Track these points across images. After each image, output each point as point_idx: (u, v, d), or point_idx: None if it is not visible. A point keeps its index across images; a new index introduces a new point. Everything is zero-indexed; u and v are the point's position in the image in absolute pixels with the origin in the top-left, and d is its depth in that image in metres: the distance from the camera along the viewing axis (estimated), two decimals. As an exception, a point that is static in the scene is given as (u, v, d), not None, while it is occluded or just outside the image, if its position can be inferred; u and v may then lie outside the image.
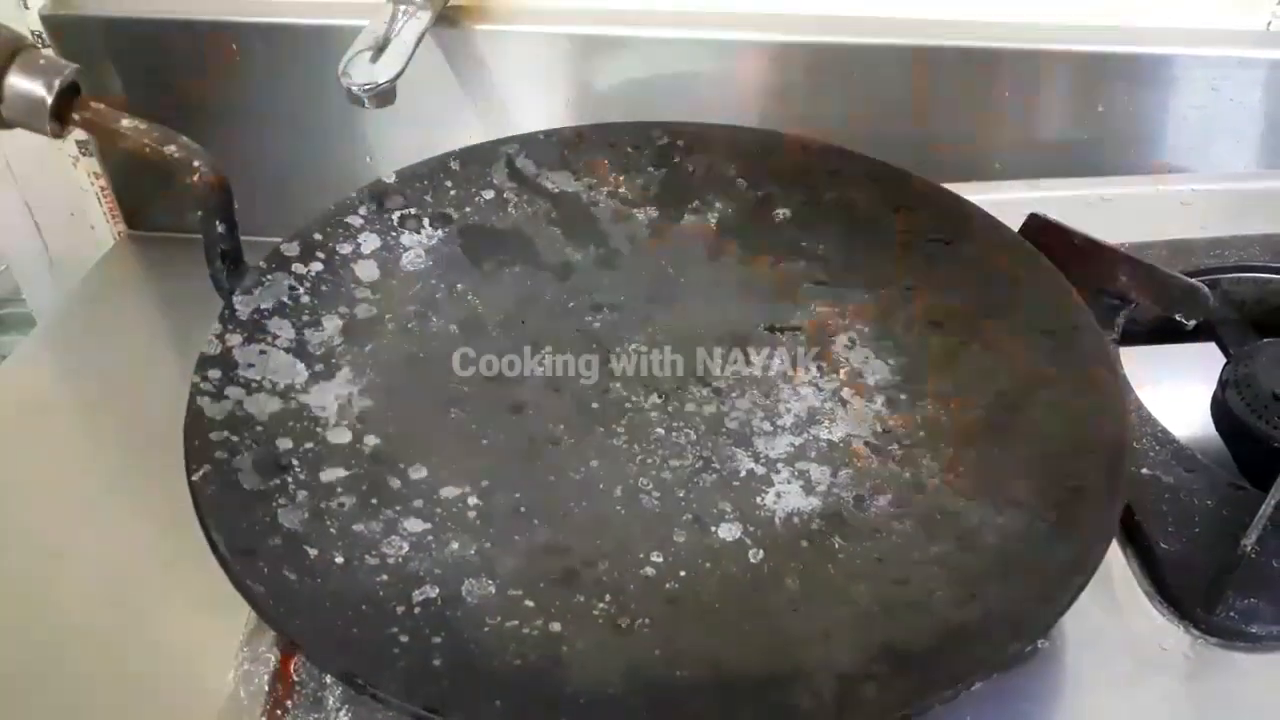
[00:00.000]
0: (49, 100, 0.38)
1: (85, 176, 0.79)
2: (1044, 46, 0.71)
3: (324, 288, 0.48)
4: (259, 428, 0.43)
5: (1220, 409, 0.51)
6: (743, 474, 0.45)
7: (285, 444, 0.43)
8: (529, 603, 0.39)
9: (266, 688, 0.39)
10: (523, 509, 0.43)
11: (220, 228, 0.44)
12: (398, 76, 0.58)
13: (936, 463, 0.45)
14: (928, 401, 0.47)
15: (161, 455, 0.59)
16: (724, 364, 0.50)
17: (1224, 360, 0.54)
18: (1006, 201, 0.65)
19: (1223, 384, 0.51)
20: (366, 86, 0.58)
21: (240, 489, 0.40)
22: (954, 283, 0.51)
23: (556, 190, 0.56)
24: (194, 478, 0.39)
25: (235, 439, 0.42)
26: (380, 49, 0.60)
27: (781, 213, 0.55)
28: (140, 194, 0.79)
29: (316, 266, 0.48)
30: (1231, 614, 0.41)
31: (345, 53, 0.60)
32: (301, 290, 0.47)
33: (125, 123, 0.41)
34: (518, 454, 0.46)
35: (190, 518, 0.53)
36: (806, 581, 0.41)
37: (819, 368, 0.49)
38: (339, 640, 0.36)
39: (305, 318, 0.47)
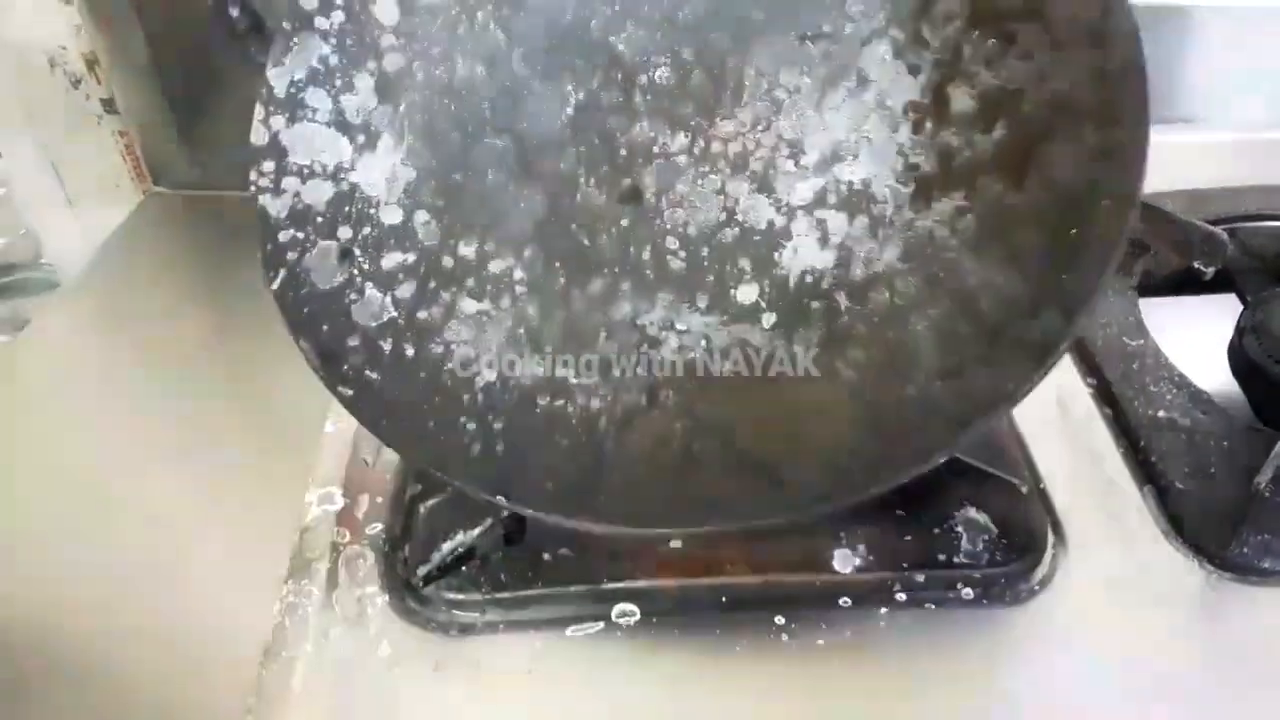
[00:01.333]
0: None
1: (110, 135, 0.80)
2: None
3: (349, 41, 0.47)
4: (320, 219, 0.44)
5: (1237, 354, 0.51)
6: (762, 227, 0.45)
7: (346, 233, 0.44)
8: (573, 380, 0.42)
9: (310, 617, 0.41)
10: (562, 279, 0.45)
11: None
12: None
13: (949, 203, 0.44)
14: (951, 130, 0.45)
15: (191, 407, 0.60)
16: (753, 87, 0.48)
17: (1241, 309, 0.54)
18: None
19: (1239, 330, 0.52)
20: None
21: (316, 290, 0.42)
22: None
23: None
24: (274, 286, 0.42)
25: (301, 235, 0.43)
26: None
27: None
28: (166, 151, 0.80)
29: (338, 17, 0.47)
30: (1245, 550, 0.42)
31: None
32: (328, 49, 0.46)
33: None
34: (555, 216, 0.46)
35: (222, 463, 0.55)
36: (810, 350, 0.42)
37: (848, 89, 0.47)
38: (419, 435, 0.40)
39: (338, 82, 0.46)
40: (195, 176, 0.80)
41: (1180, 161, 0.66)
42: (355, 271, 0.43)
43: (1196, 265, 0.55)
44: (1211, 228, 0.55)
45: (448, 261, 0.45)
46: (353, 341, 0.42)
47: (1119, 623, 0.41)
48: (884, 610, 0.41)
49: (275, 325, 0.65)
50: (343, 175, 0.45)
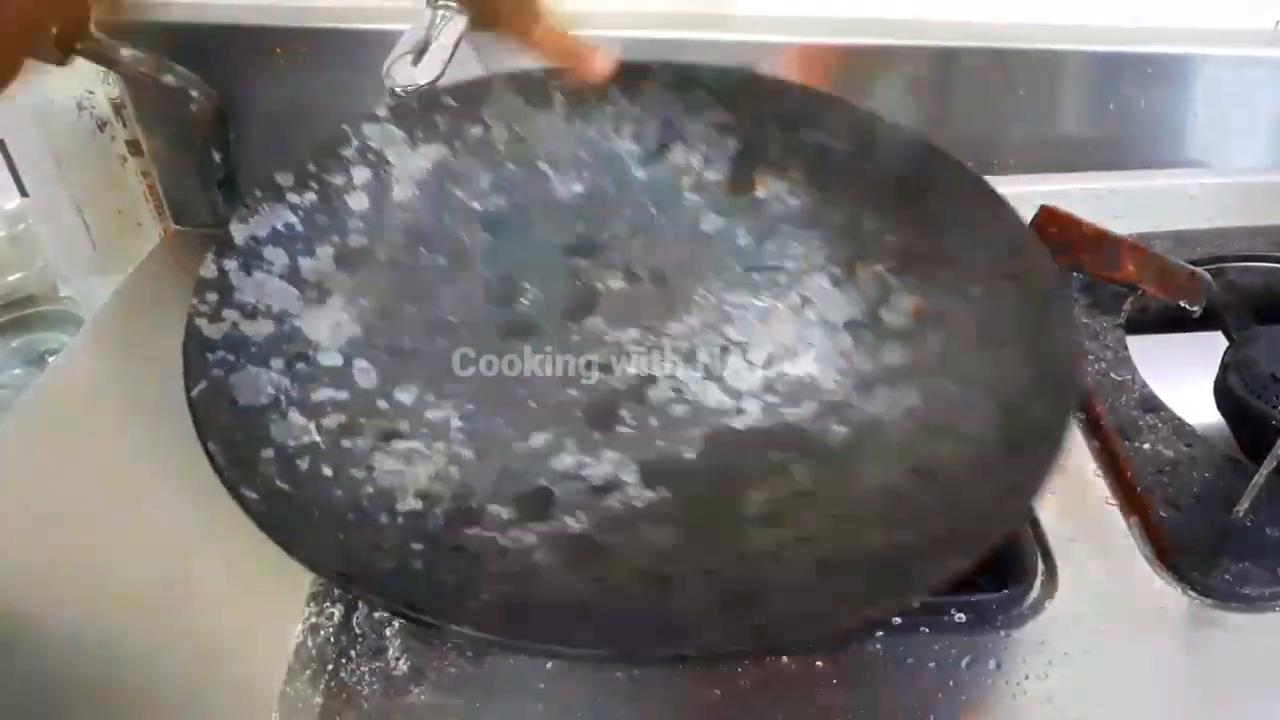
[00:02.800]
0: (52, 30, 0.39)
1: (133, 175, 0.82)
2: (1058, 47, 0.73)
3: (318, 217, 0.49)
4: (254, 348, 0.44)
5: (1222, 390, 0.53)
6: (712, 405, 0.48)
7: (278, 364, 0.44)
8: (504, 514, 0.42)
9: (332, 639, 0.42)
10: (505, 432, 0.46)
11: (216, 155, 0.46)
12: (438, 78, 0.61)
13: (896, 393, 0.46)
14: (889, 340, 0.49)
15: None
16: (702, 302, 0.52)
17: (1227, 346, 0.56)
18: (1020, 194, 0.67)
19: (1224, 366, 0.54)
20: (409, 88, 0.60)
21: (235, 405, 0.42)
22: (919, 227, 0.51)
23: (544, 127, 0.56)
24: (192, 393, 0.41)
25: (231, 358, 0.43)
26: (421, 52, 0.62)
27: (756, 154, 0.56)
28: (187, 191, 0.82)
29: (310, 196, 0.49)
30: (1226, 577, 0.44)
31: (385, 57, 0.62)
32: (296, 219, 0.48)
33: (125, 53, 0.41)
34: (500, 381, 0.48)
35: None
36: (767, 501, 0.43)
37: (791, 308, 0.51)
38: (328, 545, 0.38)
39: (299, 246, 0.48)
40: (215, 216, 0.82)
41: (1170, 204, 0.69)
42: (282, 397, 0.44)
43: (1182, 304, 0.57)
44: (1195, 268, 0.57)
45: (382, 404, 0.46)
46: (266, 453, 0.41)
47: (1106, 647, 0.42)
48: (879, 634, 0.43)
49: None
50: (286, 319, 0.46)
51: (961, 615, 0.43)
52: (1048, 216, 0.60)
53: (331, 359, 0.46)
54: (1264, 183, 0.73)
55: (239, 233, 0.46)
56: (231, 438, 0.40)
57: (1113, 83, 0.75)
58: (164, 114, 0.78)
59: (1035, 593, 0.44)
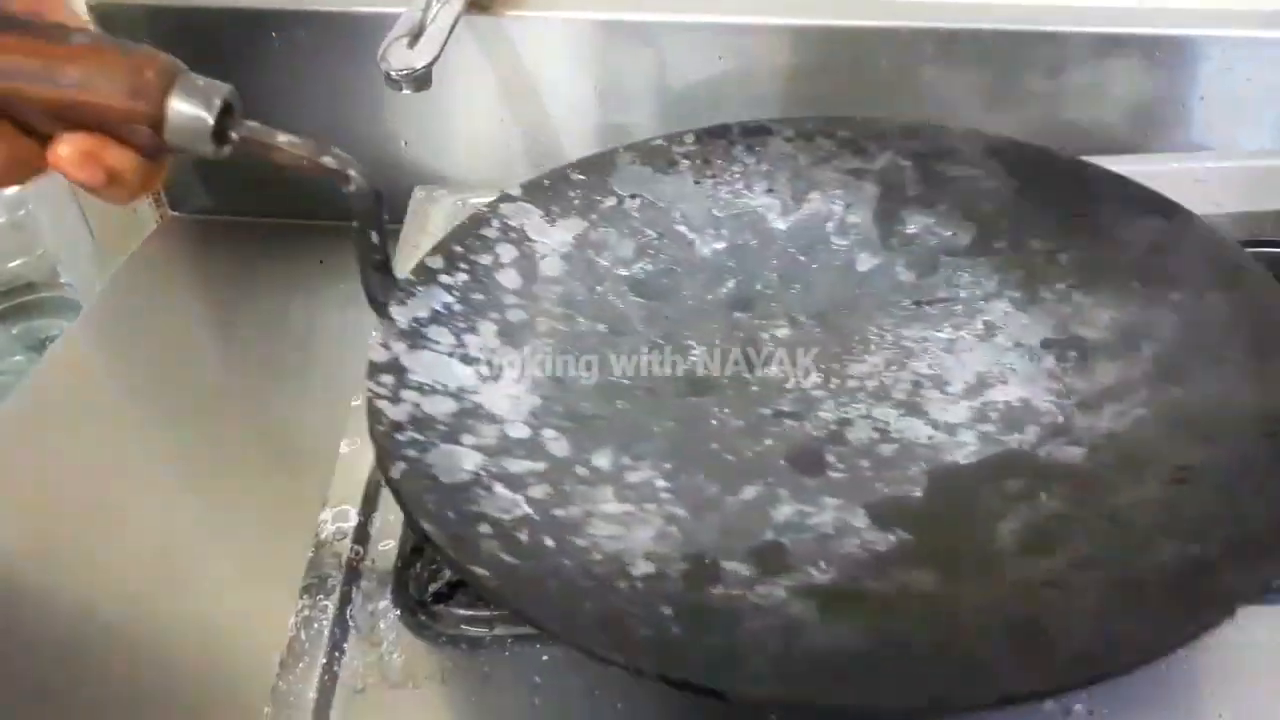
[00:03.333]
0: (210, 122, 0.37)
1: (129, 161, 0.81)
2: (1062, 29, 0.72)
3: (474, 295, 0.49)
4: (442, 426, 0.44)
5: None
6: (923, 441, 0.46)
7: (470, 439, 0.44)
8: (744, 571, 0.40)
9: (326, 633, 0.42)
10: (712, 488, 0.44)
11: (374, 237, 0.45)
12: (434, 62, 0.60)
13: (1124, 411, 0.45)
14: (1102, 354, 0.47)
15: (207, 429, 0.62)
16: (878, 339, 0.50)
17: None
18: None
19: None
20: (404, 71, 0.59)
21: (439, 482, 0.41)
22: (1093, 241, 0.51)
23: (674, 191, 0.56)
24: (393, 475, 0.40)
25: (421, 438, 0.42)
26: (416, 35, 0.62)
27: (895, 195, 0.55)
28: (183, 177, 0.81)
29: (462, 277, 0.49)
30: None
31: (381, 40, 0.62)
32: (452, 299, 0.48)
33: (281, 139, 0.40)
34: (692, 438, 0.46)
35: (237, 483, 0.56)
36: (1024, 530, 0.41)
37: (976, 336, 0.50)
38: (573, 616, 0.37)
39: (461, 324, 0.48)
40: (211, 202, 0.81)
41: (1177, 189, 0.67)
42: (482, 472, 0.43)
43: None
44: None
45: (582, 471, 0.44)
46: (484, 529, 0.40)
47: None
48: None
49: (289, 350, 0.67)
50: (465, 395, 0.46)
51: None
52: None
53: (519, 431, 0.45)
54: (1273, 166, 0.72)
55: (401, 316, 0.46)
56: (444, 515, 0.39)
57: (1119, 65, 0.74)
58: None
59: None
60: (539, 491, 0.42)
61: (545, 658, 0.41)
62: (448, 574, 0.43)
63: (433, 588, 0.43)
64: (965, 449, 0.45)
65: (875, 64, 0.71)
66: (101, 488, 0.57)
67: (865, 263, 0.54)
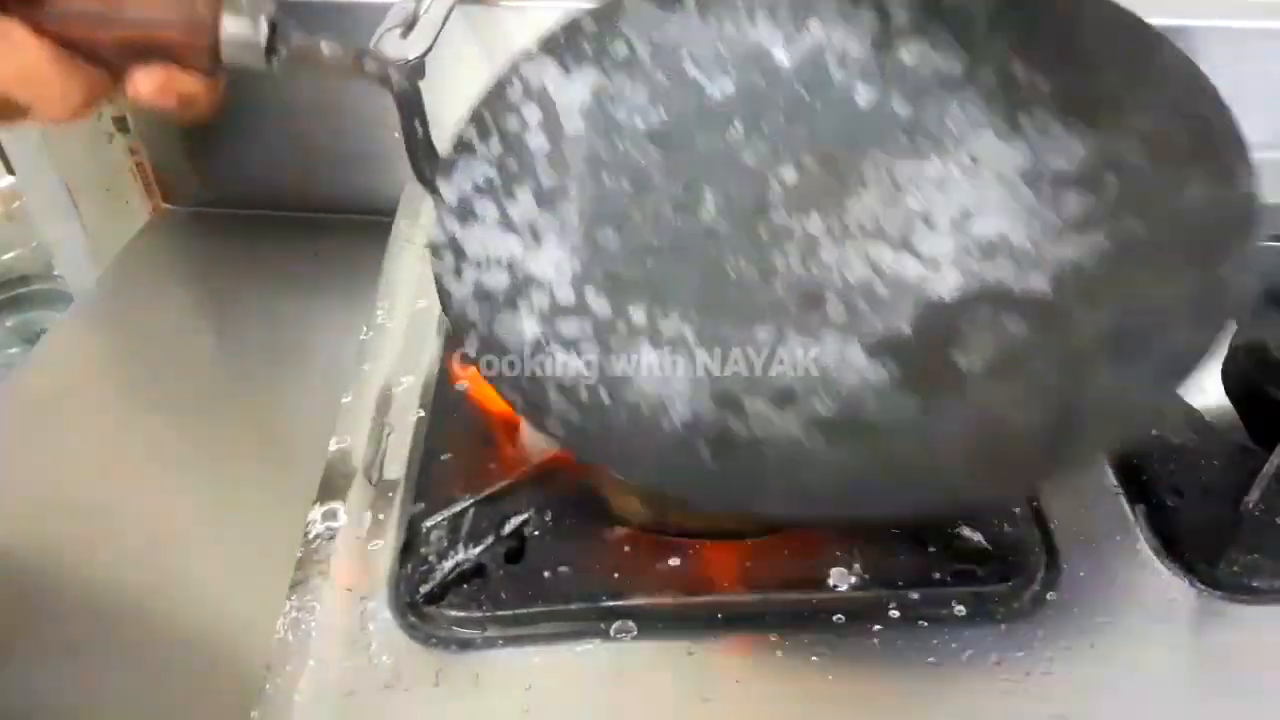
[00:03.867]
0: (262, 42, 0.41)
1: (121, 152, 0.81)
2: (1061, 19, 0.71)
3: (508, 163, 0.51)
4: (501, 298, 0.47)
5: (1231, 374, 0.52)
6: (911, 278, 0.50)
7: (526, 306, 0.48)
8: (762, 406, 0.46)
9: (313, 634, 0.41)
10: (731, 330, 0.49)
11: (419, 129, 0.48)
12: (427, 52, 0.60)
13: (1087, 239, 0.48)
14: (1068, 187, 0.50)
15: (198, 422, 0.61)
16: (874, 176, 0.53)
17: (1235, 328, 0.55)
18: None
19: (1234, 350, 0.52)
20: (398, 63, 0.59)
21: (508, 351, 0.45)
22: (1073, 69, 0.51)
23: (680, 30, 0.57)
24: (471, 351, 0.44)
25: (487, 310, 0.46)
26: (410, 26, 0.61)
27: (890, 22, 0.56)
28: (175, 168, 0.81)
29: (495, 145, 0.51)
30: (1235, 569, 0.43)
31: (375, 30, 0.61)
32: (491, 171, 0.51)
33: (325, 49, 0.44)
34: (712, 288, 0.51)
35: (228, 478, 0.56)
36: (994, 358, 0.46)
37: (962, 168, 0.52)
38: (635, 462, 0.42)
39: (502, 194, 0.50)
40: (204, 194, 0.81)
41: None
42: (542, 338, 0.47)
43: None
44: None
45: (622, 327, 0.49)
46: (553, 395, 0.44)
47: (1110, 640, 0.41)
48: (877, 627, 0.42)
49: (281, 343, 0.67)
50: (516, 265, 0.49)
51: (962, 608, 0.42)
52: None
53: (566, 294, 0.49)
54: (1272, 160, 0.71)
55: (449, 192, 0.49)
56: (519, 383, 0.44)
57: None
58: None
59: (1037, 585, 0.43)
60: (590, 351, 0.47)
61: (537, 659, 0.41)
62: (438, 574, 0.43)
63: (423, 589, 0.42)
64: (948, 283, 0.49)
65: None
66: (93, 480, 0.57)
67: (863, 96, 0.55)
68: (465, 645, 0.41)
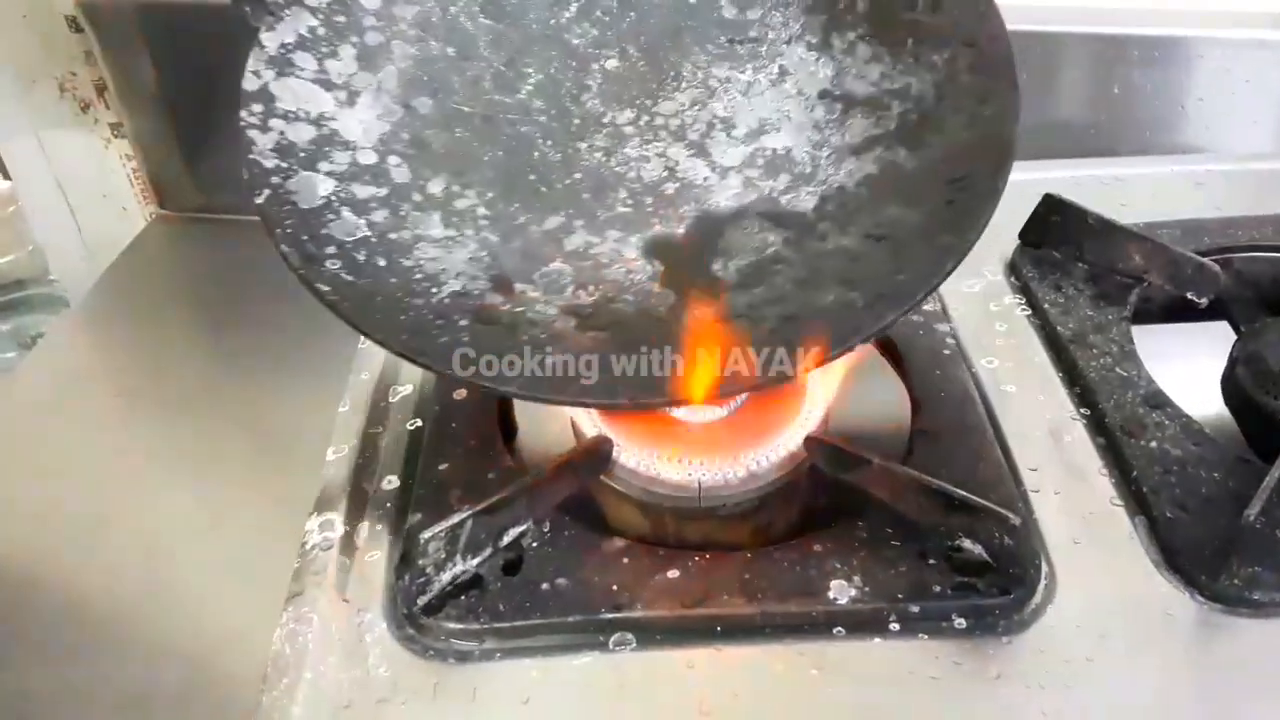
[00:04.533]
0: None
1: (117, 158, 0.81)
2: (1059, 28, 0.71)
3: (336, 17, 0.51)
4: (302, 153, 0.48)
5: (1230, 385, 0.52)
6: (700, 181, 0.53)
7: (325, 166, 0.48)
8: (531, 293, 0.48)
9: (310, 646, 0.41)
10: (521, 217, 0.51)
11: None
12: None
13: (857, 164, 0.51)
14: (855, 111, 0.53)
15: (194, 429, 0.61)
16: (690, 77, 0.56)
17: (1235, 339, 0.55)
18: (1021, 182, 0.66)
19: (1233, 361, 0.52)
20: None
21: (298, 208, 0.46)
22: None
23: None
24: (259, 200, 0.45)
25: (285, 165, 0.47)
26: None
27: None
28: (171, 175, 0.81)
29: None
30: (1235, 581, 0.42)
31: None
32: (317, 22, 0.51)
33: None
34: (514, 168, 0.53)
35: (224, 487, 0.56)
36: (746, 267, 0.49)
37: (770, 80, 0.55)
38: (393, 326, 0.43)
39: (324, 49, 0.51)
40: (200, 200, 0.81)
41: (1176, 192, 0.67)
42: (333, 197, 0.48)
43: (1190, 295, 0.56)
44: (1204, 260, 0.55)
45: (417, 197, 0.50)
46: (330, 250, 0.45)
47: (1110, 653, 0.41)
48: (877, 640, 0.41)
49: (277, 350, 0.66)
50: (324, 122, 0.50)
51: (962, 621, 0.42)
52: (1052, 205, 0.59)
53: (368, 157, 0.50)
54: (1272, 170, 0.71)
55: (270, 41, 0.49)
56: (298, 238, 0.45)
57: (1116, 66, 0.74)
58: (147, 96, 0.77)
59: (1037, 598, 0.43)
60: (379, 215, 0.48)
61: (535, 673, 0.40)
62: (436, 586, 0.42)
63: (421, 600, 0.42)
64: (730, 191, 0.52)
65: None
66: (88, 486, 0.57)
67: None
68: (463, 657, 0.41)
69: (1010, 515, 0.42)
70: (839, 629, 0.42)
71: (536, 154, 0.54)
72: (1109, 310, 0.56)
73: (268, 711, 0.39)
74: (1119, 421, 0.49)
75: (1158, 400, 0.50)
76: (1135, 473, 0.47)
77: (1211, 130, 0.75)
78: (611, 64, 0.57)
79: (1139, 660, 0.41)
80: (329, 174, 0.48)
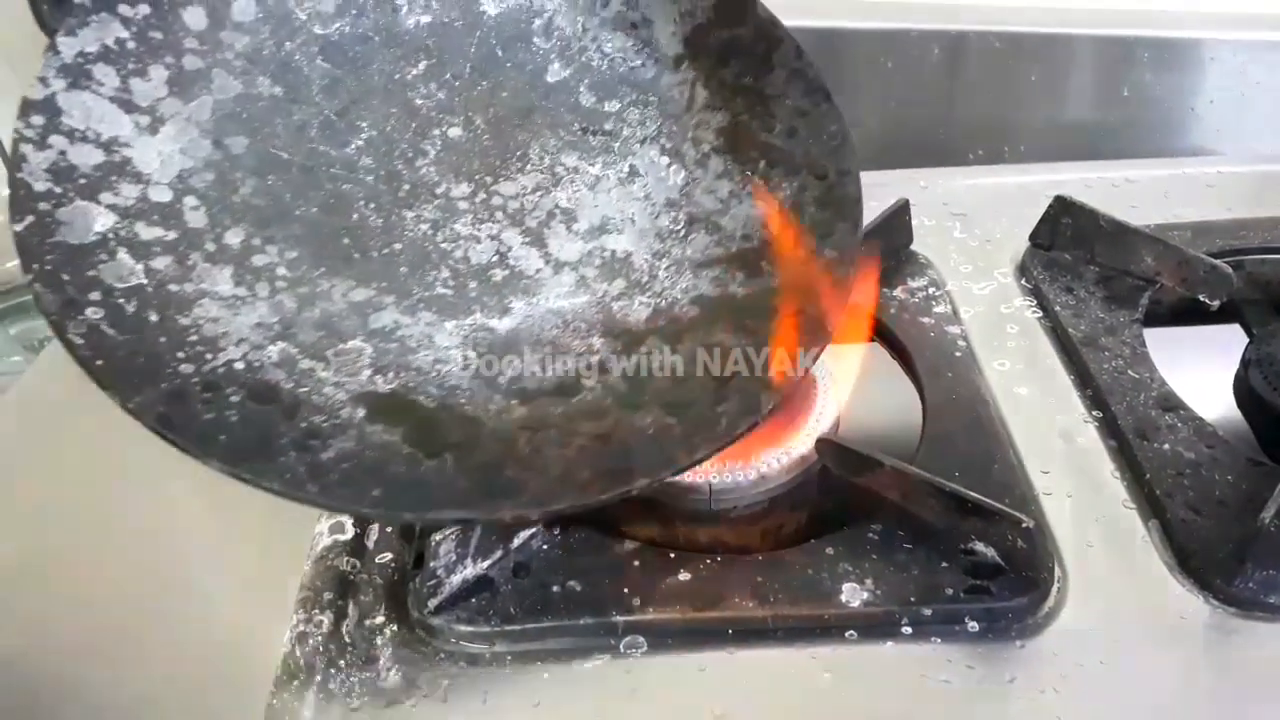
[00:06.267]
0: None
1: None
2: (1071, 30, 0.71)
3: (151, 33, 0.46)
4: (82, 180, 0.42)
5: (1243, 387, 0.52)
6: (531, 273, 0.49)
7: (108, 198, 0.43)
8: (321, 373, 0.43)
9: (321, 648, 0.41)
10: (325, 284, 0.46)
11: None
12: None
13: (695, 284, 0.48)
14: (698, 227, 0.50)
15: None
16: (537, 160, 0.52)
17: (1247, 341, 0.54)
18: (1033, 184, 0.66)
19: (1245, 363, 0.52)
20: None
21: (64, 243, 0.41)
22: (749, 108, 0.52)
23: None
24: (18, 228, 0.40)
25: (59, 190, 0.41)
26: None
27: (620, 8, 0.55)
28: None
29: (144, 9, 0.46)
30: (1250, 585, 0.42)
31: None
32: (128, 34, 0.45)
33: None
34: (328, 229, 0.47)
35: (235, 487, 0.56)
36: (565, 373, 0.45)
37: (619, 178, 0.52)
38: (144, 386, 0.38)
39: (131, 66, 0.45)
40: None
41: (1187, 194, 0.67)
42: (110, 235, 0.42)
43: (1202, 298, 0.56)
44: (1216, 262, 0.55)
45: (210, 246, 0.45)
46: (94, 296, 0.40)
47: (1124, 657, 0.41)
48: (890, 644, 0.41)
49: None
50: (116, 147, 0.44)
51: (975, 624, 0.42)
52: (1063, 207, 0.59)
53: (161, 194, 0.44)
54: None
55: (68, 47, 0.43)
56: (58, 277, 0.39)
57: (1126, 68, 0.74)
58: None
59: (1050, 601, 0.43)
60: (162, 262, 0.43)
61: (546, 675, 0.40)
62: (447, 589, 0.42)
63: (432, 602, 0.42)
64: (561, 288, 0.49)
65: (880, 67, 0.70)
66: (98, 487, 0.57)
67: (555, 74, 0.54)
68: (473, 660, 0.41)
69: (1023, 518, 0.42)
70: (851, 632, 0.42)
71: (356, 216, 0.48)
72: (1120, 312, 0.56)
73: (278, 713, 0.39)
74: (1131, 424, 0.49)
75: (1170, 402, 0.50)
76: (1148, 475, 0.47)
77: (1223, 132, 0.75)
78: (454, 132, 0.52)
79: (1153, 664, 0.41)
80: (111, 207, 0.42)
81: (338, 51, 0.51)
